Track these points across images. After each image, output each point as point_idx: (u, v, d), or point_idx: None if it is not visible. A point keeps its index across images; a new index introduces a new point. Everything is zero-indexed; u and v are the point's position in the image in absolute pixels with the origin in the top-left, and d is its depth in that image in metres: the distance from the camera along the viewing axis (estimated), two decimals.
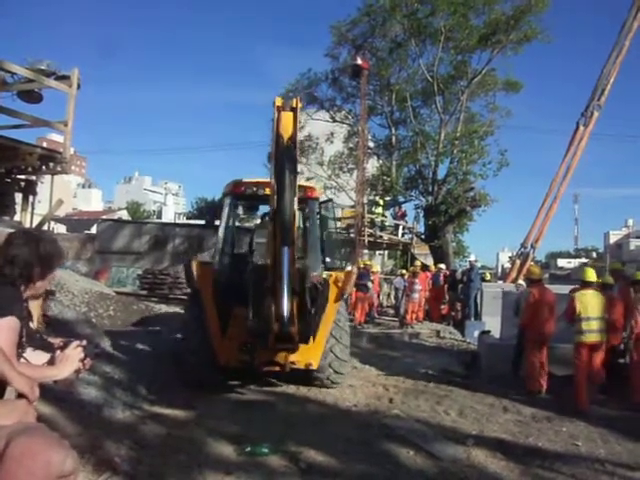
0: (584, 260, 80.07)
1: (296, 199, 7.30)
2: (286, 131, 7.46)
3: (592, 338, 8.97)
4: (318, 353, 8.87)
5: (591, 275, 9.56)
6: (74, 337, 3.29)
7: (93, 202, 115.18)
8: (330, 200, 11.11)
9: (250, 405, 8.07)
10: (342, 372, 9.30)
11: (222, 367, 8.64)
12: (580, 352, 9.04)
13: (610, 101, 17.79)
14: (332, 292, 8.86)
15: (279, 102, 7.58)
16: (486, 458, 6.40)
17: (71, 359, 3.03)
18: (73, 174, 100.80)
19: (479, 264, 21.79)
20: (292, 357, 8.42)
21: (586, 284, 9.47)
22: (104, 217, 53.33)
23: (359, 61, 28.23)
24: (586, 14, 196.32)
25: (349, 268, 10.20)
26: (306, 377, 9.26)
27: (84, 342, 3.17)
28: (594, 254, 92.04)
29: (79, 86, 12.94)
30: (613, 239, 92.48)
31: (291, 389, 9.20)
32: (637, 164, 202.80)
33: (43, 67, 12.70)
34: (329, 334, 8.97)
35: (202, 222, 36.82)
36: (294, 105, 7.56)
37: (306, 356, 8.64)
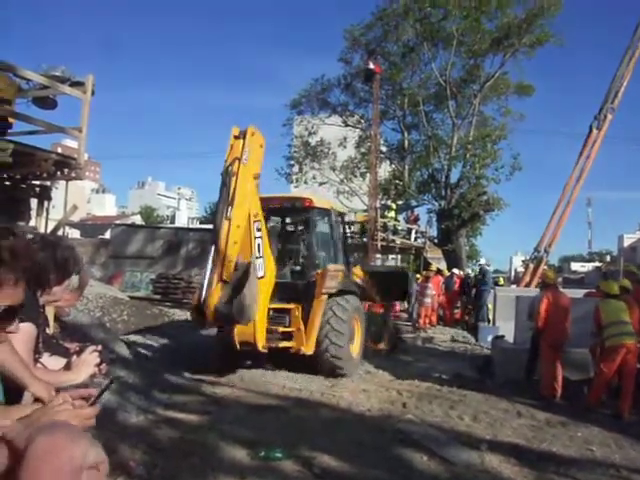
0: (598, 264, 79.48)
1: (230, 208, 8.97)
2: (233, 155, 9.29)
3: (622, 340, 8.96)
4: (310, 340, 10.19)
5: (616, 289, 9.66)
6: (89, 342, 3.32)
7: (107, 207, 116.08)
8: (330, 209, 11.82)
9: (264, 410, 8.07)
10: (340, 357, 10.28)
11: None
12: (611, 356, 9.03)
13: (624, 104, 17.68)
14: (318, 287, 10.32)
15: (236, 132, 9.41)
16: (500, 463, 6.37)
17: (87, 364, 3.06)
18: (87, 179, 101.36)
19: (492, 268, 21.74)
20: (284, 343, 10.19)
21: (610, 296, 9.55)
22: (118, 222, 53.67)
23: (371, 65, 28.32)
24: (600, 16, 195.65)
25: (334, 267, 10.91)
26: (311, 364, 10.38)
27: (100, 347, 3.20)
28: (608, 258, 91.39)
29: (93, 92, 13.02)
30: (627, 242, 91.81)
31: (304, 394, 9.21)
32: None
33: (58, 74, 12.79)
34: (325, 322, 10.27)
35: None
36: (249, 133, 9.32)
37: (298, 342, 10.20)
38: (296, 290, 10.62)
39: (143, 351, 10.51)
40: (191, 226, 65.27)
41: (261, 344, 9.69)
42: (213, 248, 8.96)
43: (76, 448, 1.58)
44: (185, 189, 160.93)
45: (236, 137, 9.40)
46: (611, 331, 9.04)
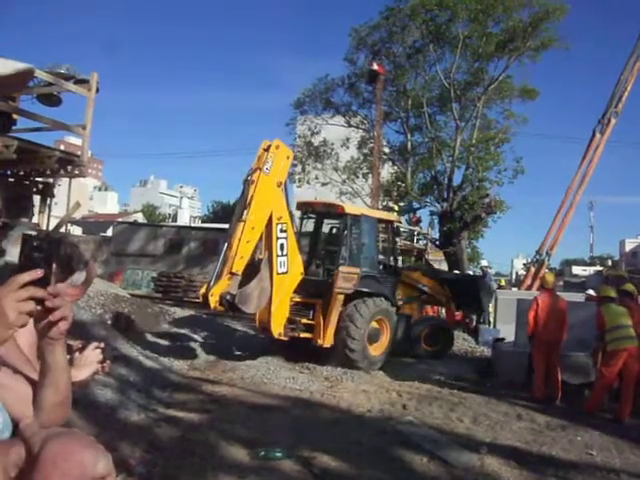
0: (599, 268, 79.43)
1: (245, 211, 10.31)
2: (256, 166, 10.59)
3: (625, 344, 8.99)
4: (327, 334, 11.34)
5: (612, 293, 9.80)
6: (90, 339, 3.32)
7: (109, 205, 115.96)
8: (360, 215, 12.65)
9: (264, 409, 8.09)
10: (354, 342, 11.25)
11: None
12: (613, 360, 9.04)
13: (628, 108, 17.65)
14: (333, 287, 11.38)
15: (265, 145, 10.66)
16: (500, 466, 6.37)
17: (89, 361, 3.05)
18: (90, 177, 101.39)
19: (493, 271, 21.72)
20: (305, 334, 11.47)
21: (608, 299, 9.62)
22: (120, 220, 53.58)
23: (375, 67, 28.30)
24: (605, 20, 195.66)
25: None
26: (329, 356, 11.51)
27: (102, 344, 3.20)
28: (609, 262, 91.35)
29: (98, 90, 13.03)
30: (629, 247, 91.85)
31: (305, 394, 9.23)
32: None
33: (62, 71, 12.80)
34: (344, 320, 11.33)
35: (220, 226, 37.03)
36: (274, 146, 10.64)
37: (316, 334, 11.43)
38: (322, 287, 11.74)
39: (144, 349, 10.51)
40: (193, 225, 65.11)
41: (276, 332, 10.98)
42: (226, 245, 10.30)
43: (87, 455, 1.57)
44: (187, 187, 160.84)
45: (265, 150, 10.66)
46: (613, 335, 9.06)
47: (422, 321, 14.20)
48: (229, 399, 8.50)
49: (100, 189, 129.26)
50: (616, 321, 9.15)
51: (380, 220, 13.78)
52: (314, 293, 11.79)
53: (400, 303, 13.44)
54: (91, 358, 3.05)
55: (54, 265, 2.80)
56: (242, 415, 7.67)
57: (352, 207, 14.03)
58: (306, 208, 13.45)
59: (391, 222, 14.32)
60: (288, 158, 11.31)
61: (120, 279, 29.46)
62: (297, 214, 13.43)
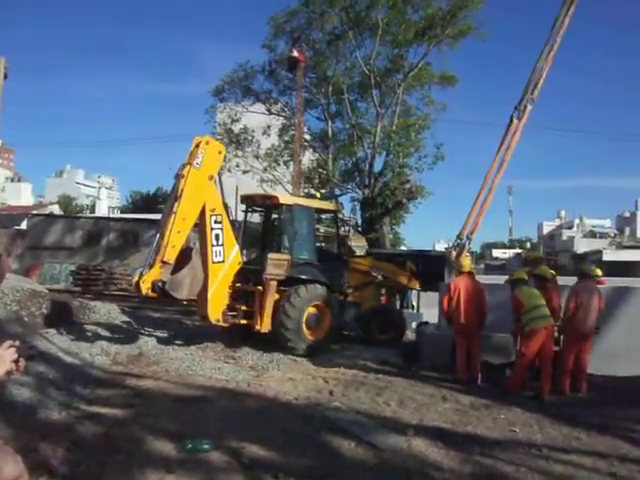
0: (518, 250, 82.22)
1: (176, 204, 10.55)
2: (188, 160, 10.96)
3: (542, 323, 9.32)
4: (264, 320, 11.74)
5: (524, 275, 10.23)
6: (6, 337, 3.17)
7: (23, 196, 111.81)
8: (292, 205, 13.10)
9: (190, 401, 7.97)
10: (289, 327, 11.79)
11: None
12: (532, 339, 9.33)
13: (544, 94, 18.16)
14: (264, 274, 11.73)
15: (197, 141, 11.15)
16: (427, 447, 6.48)
17: (3, 360, 2.91)
18: (1, 167, 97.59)
19: None
20: (244, 320, 11.84)
21: (521, 282, 9.97)
22: (35, 212, 51.90)
23: (295, 54, 28.20)
24: (522, 9, 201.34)
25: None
26: (272, 340, 11.97)
27: (17, 342, 3.05)
28: (528, 244, 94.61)
29: (6, 76, 12.49)
30: (546, 230, 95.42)
31: (231, 384, 9.16)
32: (570, 157, 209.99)
33: None
34: (280, 306, 11.83)
35: (139, 216, 36.30)
36: (204, 142, 11.14)
37: (255, 320, 11.80)
38: (260, 275, 11.90)
39: (63, 345, 10.19)
40: (112, 216, 63.58)
41: (214, 318, 11.29)
42: (158, 235, 10.59)
43: None
44: (105, 177, 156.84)
45: (196, 146, 11.09)
46: (531, 315, 9.35)
47: (371, 308, 14.36)
48: (154, 392, 8.34)
49: (12, 180, 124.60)
50: (532, 302, 9.47)
51: (319, 210, 14.41)
52: (255, 281, 12.13)
53: (350, 290, 13.96)
54: (5, 357, 2.91)
55: None
56: (167, 408, 7.54)
57: (286, 197, 14.64)
58: (248, 201, 14.00)
59: (333, 212, 14.83)
60: (220, 153, 11.69)
61: (37, 274, 28.63)
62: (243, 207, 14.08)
